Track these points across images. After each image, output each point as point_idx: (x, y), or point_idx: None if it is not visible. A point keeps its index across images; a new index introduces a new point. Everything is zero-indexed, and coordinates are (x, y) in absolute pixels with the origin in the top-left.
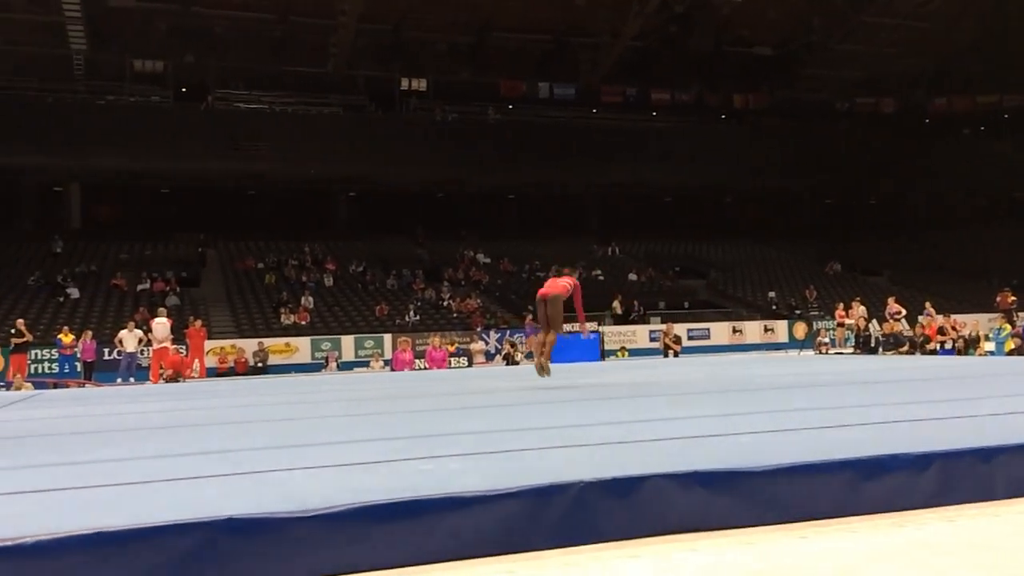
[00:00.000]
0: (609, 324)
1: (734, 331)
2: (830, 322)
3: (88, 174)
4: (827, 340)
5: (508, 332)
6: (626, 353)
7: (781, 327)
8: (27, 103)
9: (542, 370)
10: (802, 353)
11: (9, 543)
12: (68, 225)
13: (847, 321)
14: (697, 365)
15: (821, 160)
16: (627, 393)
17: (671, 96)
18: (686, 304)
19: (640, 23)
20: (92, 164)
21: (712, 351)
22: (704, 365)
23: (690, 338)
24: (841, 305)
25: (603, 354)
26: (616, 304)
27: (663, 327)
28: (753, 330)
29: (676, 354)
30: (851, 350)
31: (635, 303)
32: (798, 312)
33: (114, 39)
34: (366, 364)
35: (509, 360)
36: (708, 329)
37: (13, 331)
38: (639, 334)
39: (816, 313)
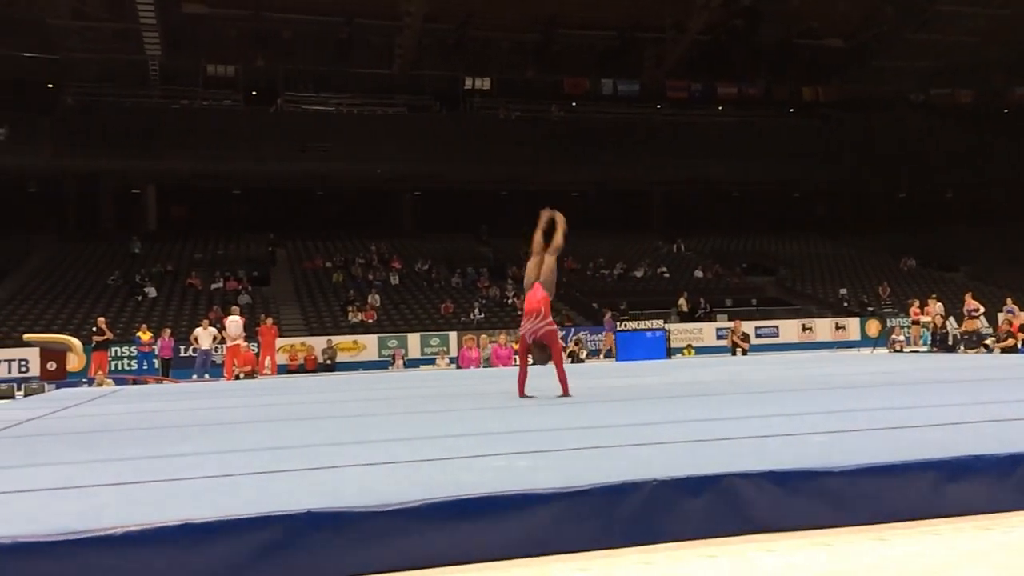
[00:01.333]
0: (675, 322)
1: (804, 329)
2: (905, 319)
3: (163, 176)
4: (902, 338)
5: (573, 330)
6: (692, 351)
7: (853, 324)
8: (106, 109)
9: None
10: (876, 351)
11: (100, 533)
12: (145, 226)
13: (923, 318)
14: (766, 363)
15: (894, 153)
16: (697, 391)
17: (738, 90)
18: (754, 301)
19: (706, 17)
20: (167, 167)
21: (781, 349)
22: (774, 363)
23: (758, 336)
24: (916, 302)
25: (669, 352)
26: (682, 301)
27: (731, 325)
28: (824, 328)
29: (744, 352)
30: (926, 348)
31: (701, 300)
32: (871, 309)
33: (188, 45)
34: (432, 362)
35: (574, 358)
36: (777, 327)
37: (95, 329)
38: (706, 332)
39: (890, 310)
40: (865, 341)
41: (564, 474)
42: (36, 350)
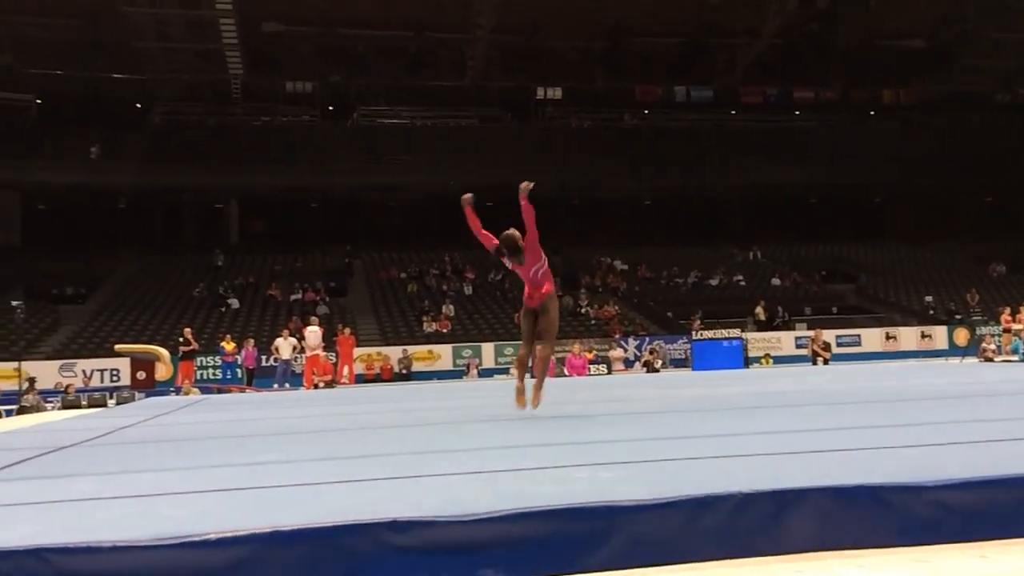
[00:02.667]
0: (752, 330)
1: (887, 337)
2: (995, 327)
3: (245, 191)
4: (993, 347)
5: (648, 339)
6: (770, 361)
7: (940, 333)
8: (191, 127)
9: (520, 395)
10: (965, 361)
11: (195, 539)
12: (228, 240)
13: (1014, 326)
14: (849, 373)
15: (980, 155)
16: (778, 402)
17: (815, 94)
18: (834, 309)
19: (780, 20)
20: (248, 181)
21: (864, 358)
22: (857, 373)
23: (840, 345)
24: (1008, 309)
25: (747, 361)
26: (759, 310)
27: (811, 333)
28: (908, 336)
29: (826, 361)
30: (1019, 357)
31: (779, 309)
32: (958, 317)
33: (267, 63)
34: (506, 371)
35: (649, 367)
36: (859, 335)
37: (181, 340)
38: (784, 341)
39: (979, 318)
40: (953, 350)
41: (647, 486)
42: (127, 360)
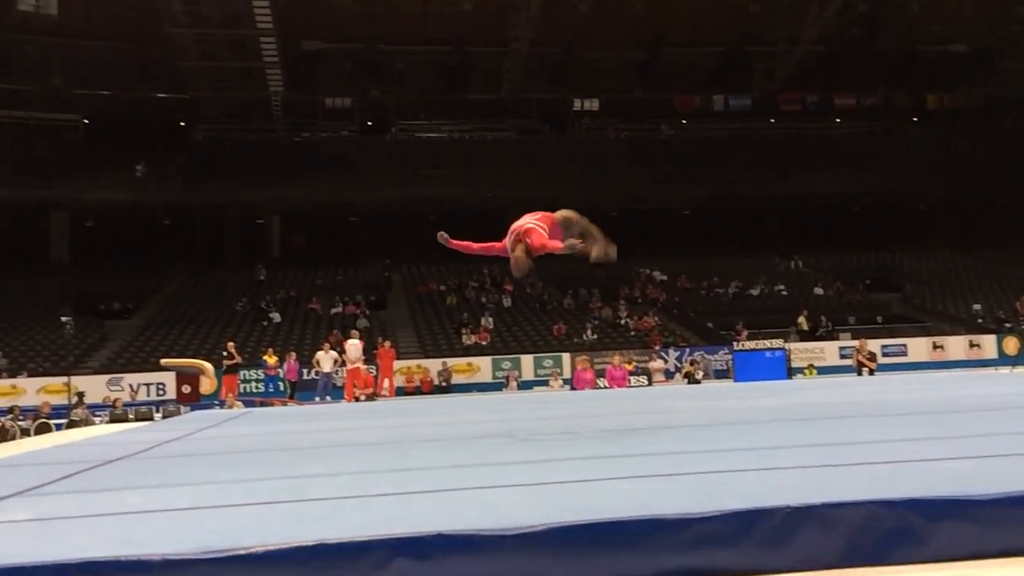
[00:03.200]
0: (795, 341)
1: (934, 347)
2: None
3: (286, 206)
4: None
5: (688, 350)
6: (814, 371)
7: (989, 342)
8: (232, 144)
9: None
10: (1016, 370)
11: (242, 552)
12: (269, 254)
13: None
14: (896, 383)
15: None
16: (823, 413)
17: (856, 101)
18: (879, 319)
19: (820, 27)
20: (289, 197)
21: (910, 368)
22: (904, 383)
23: (885, 355)
24: None
25: (790, 372)
26: (802, 320)
27: (855, 343)
28: (956, 346)
29: (871, 372)
30: None
31: (822, 318)
32: (1008, 325)
33: (307, 80)
34: (545, 383)
35: (690, 379)
36: (905, 345)
37: (225, 354)
38: (828, 351)
39: None
40: (1003, 359)
41: (690, 499)
42: (172, 374)
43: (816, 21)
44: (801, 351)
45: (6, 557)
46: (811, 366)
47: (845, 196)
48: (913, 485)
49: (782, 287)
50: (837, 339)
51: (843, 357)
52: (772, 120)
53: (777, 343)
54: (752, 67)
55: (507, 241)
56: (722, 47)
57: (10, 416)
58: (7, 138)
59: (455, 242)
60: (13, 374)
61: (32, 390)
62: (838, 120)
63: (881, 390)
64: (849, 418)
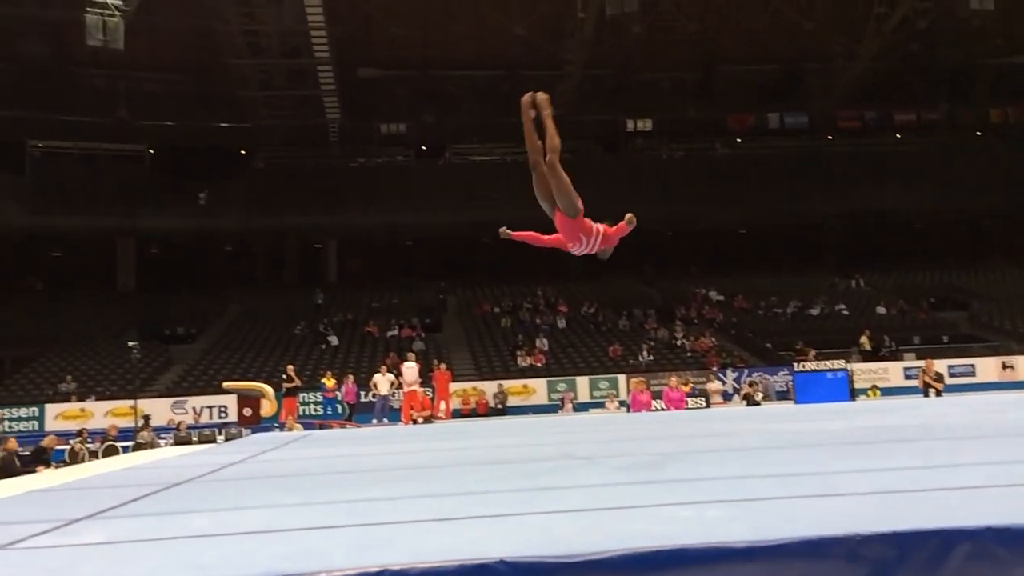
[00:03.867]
0: (857, 361)
1: (1004, 367)
2: None
3: (343, 231)
4: None
5: (746, 371)
6: (878, 392)
7: None
8: (291, 171)
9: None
10: None
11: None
12: (327, 278)
13: None
14: (965, 405)
15: None
16: (891, 436)
17: (917, 116)
18: (945, 338)
19: (878, 42)
20: (346, 221)
21: (979, 389)
22: (974, 405)
23: (952, 375)
24: None
25: (853, 394)
26: (864, 340)
27: (921, 364)
28: None
29: (939, 393)
30: None
31: (885, 338)
32: None
33: (363, 106)
34: (601, 405)
35: (749, 400)
36: (973, 365)
37: (285, 377)
38: (892, 372)
39: None
40: None
41: (756, 526)
42: (234, 397)
43: (874, 37)
44: (864, 372)
45: None
46: (874, 387)
47: (907, 213)
48: (991, 512)
49: (843, 306)
50: (901, 359)
51: (908, 378)
52: (830, 137)
53: (839, 364)
54: (808, 84)
55: (592, 239)
56: (777, 65)
57: (79, 439)
58: (76, 169)
59: (518, 234)
60: (82, 397)
61: (100, 413)
62: (898, 136)
63: (950, 412)
64: (918, 441)
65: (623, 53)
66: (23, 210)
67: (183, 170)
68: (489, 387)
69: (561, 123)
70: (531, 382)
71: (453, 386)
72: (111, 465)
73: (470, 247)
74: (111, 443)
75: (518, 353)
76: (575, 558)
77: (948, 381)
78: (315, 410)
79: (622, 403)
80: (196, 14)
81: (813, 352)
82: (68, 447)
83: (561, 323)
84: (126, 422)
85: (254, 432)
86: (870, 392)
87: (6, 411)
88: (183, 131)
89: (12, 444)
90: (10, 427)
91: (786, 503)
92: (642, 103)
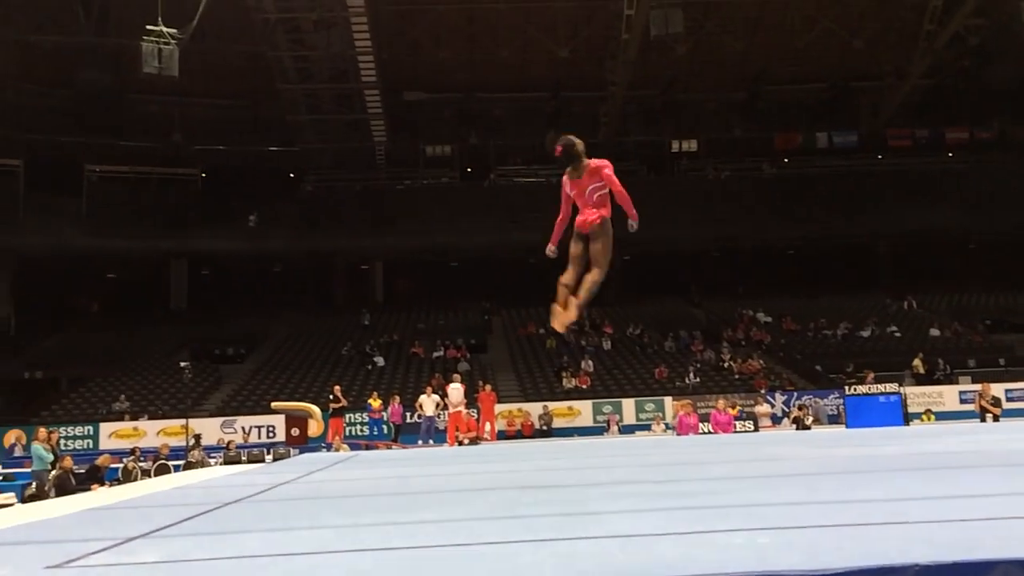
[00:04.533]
0: (910, 384)
1: None
2: None
3: (389, 252)
4: None
5: (796, 394)
6: (932, 417)
7: None
8: (339, 193)
9: (564, 314)
10: None
11: None
12: (373, 299)
13: None
14: None
15: None
16: (947, 462)
17: (969, 134)
18: (1001, 361)
19: (928, 60)
20: (392, 243)
21: None
22: None
23: (1010, 399)
24: None
25: (907, 418)
26: (918, 363)
27: (977, 387)
28: None
29: (996, 418)
30: None
31: (940, 361)
32: None
33: (409, 129)
34: (647, 427)
35: (799, 424)
36: None
37: (331, 397)
38: (947, 395)
39: None
40: None
41: (812, 554)
42: (282, 417)
43: (924, 55)
44: (918, 395)
45: None
46: (929, 411)
47: (961, 233)
48: None
49: (895, 328)
50: (956, 383)
51: (964, 402)
52: (880, 156)
53: (892, 387)
54: (857, 102)
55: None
56: (825, 84)
57: (132, 457)
58: (132, 192)
59: (555, 237)
60: (135, 416)
61: (152, 432)
62: (951, 154)
63: (1009, 438)
64: (977, 468)
65: (668, 74)
66: (80, 232)
67: (234, 193)
68: (534, 409)
69: (605, 145)
70: (576, 404)
71: (498, 407)
72: (163, 484)
73: (515, 268)
74: (163, 462)
75: (563, 374)
76: None
77: (1006, 406)
78: (361, 430)
79: (668, 426)
80: (247, 41)
81: (872, 375)
82: (121, 465)
83: (606, 344)
84: (177, 441)
85: (302, 452)
86: (924, 416)
87: (62, 429)
88: (234, 155)
89: (68, 462)
90: (66, 445)
91: (842, 531)
92: (688, 123)
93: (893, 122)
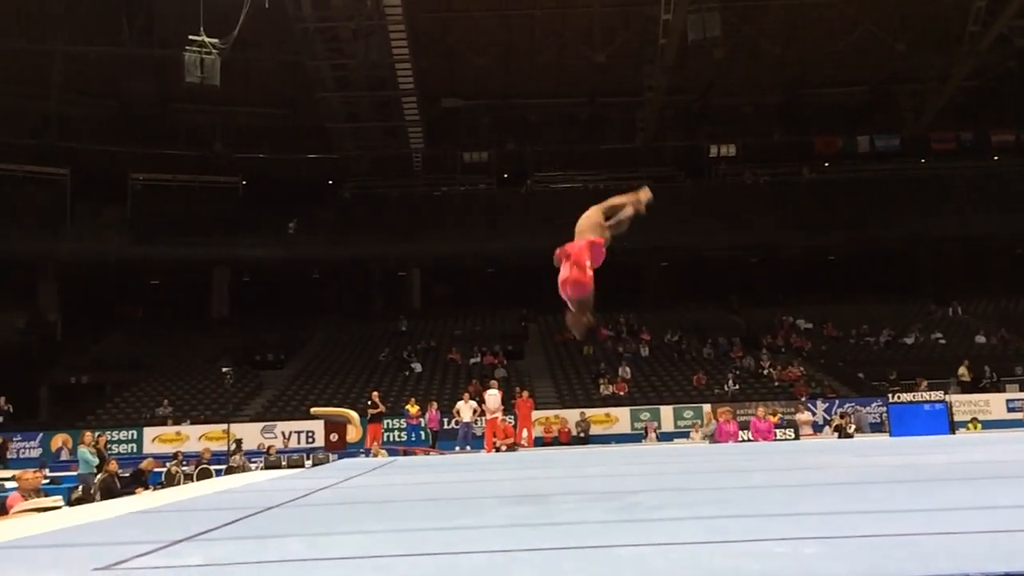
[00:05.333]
0: (956, 392)
1: None
2: None
3: (426, 258)
4: None
5: (837, 402)
6: (979, 425)
7: None
8: (376, 200)
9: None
10: None
11: None
12: (410, 305)
13: None
14: None
15: None
16: (997, 472)
17: (1016, 137)
18: None
19: (973, 62)
20: (429, 249)
21: None
22: None
23: None
24: None
25: (952, 426)
26: (963, 370)
27: None
28: None
29: None
30: None
31: (986, 368)
32: None
33: (446, 135)
34: (685, 435)
35: (841, 432)
36: None
37: (369, 403)
38: (993, 404)
39: None
40: None
41: (858, 565)
42: (321, 422)
43: (968, 57)
44: (964, 404)
45: None
46: (975, 420)
47: (1008, 238)
48: None
49: (939, 335)
50: (1003, 391)
51: (1011, 410)
52: (923, 160)
53: (937, 395)
54: (899, 105)
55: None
56: (865, 86)
57: (175, 461)
58: (175, 200)
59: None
60: (178, 421)
61: (195, 437)
62: (996, 157)
63: None
64: None
65: (705, 78)
66: (124, 240)
67: (274, 200)
68: (571, 415)
69: (642, 150)
70: (614, 411)
71: (535, 414)
72: (206, 488)
73: (552, 274)
74: (205, 466)
75: (600, 381)
76: None
77: None
78: (399, 436)
79: (706, 435)
80: (287, 51)
81: (924, 382)
82: (165, 469)
83: (644, 351)
84: (219, 445)
85: (340, 457)
86: (970, 425)
87: (108, 433)
88: (274, 163)
89: (113, 466)
90: (110, 449)
91: (889, 540)
92: (725, 128)
93: (936, 125)
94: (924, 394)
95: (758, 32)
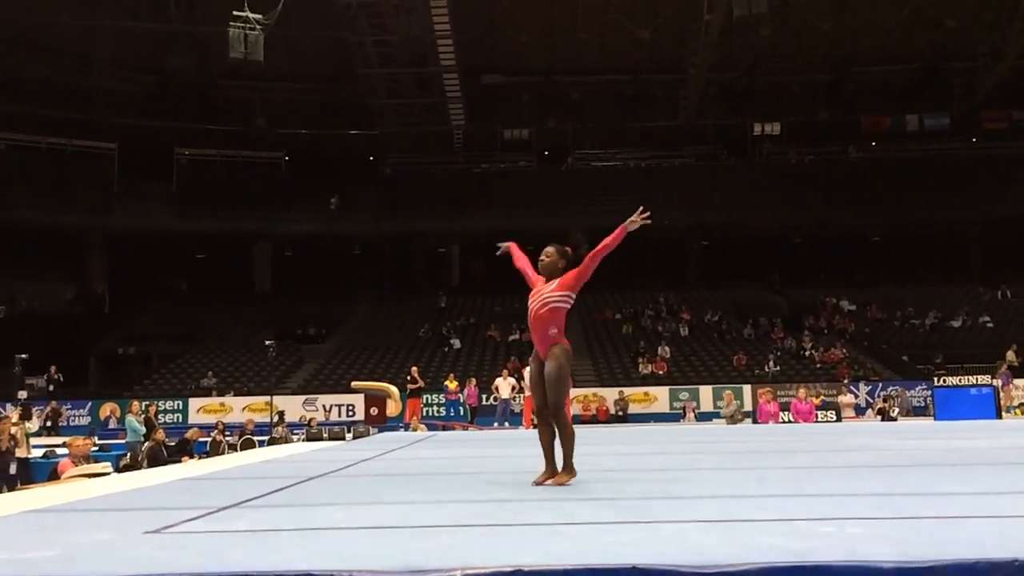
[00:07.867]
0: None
1: None
2: None
3: (466, 235)
4: None
5: (880, 385)
6: None
7: None
8: (417, 177)
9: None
10: None
11: (443, 573)
12: (449, 282)
13: None
14: None
15: None
16: None
17: None
18: None
19: None
20: (469, 226)
21: None
22: None
23: None
24: None
25: (999, 411)
26: (1011, 354)
27: None
28: None
29: None
30: None
31: None
32: None
33: (487, 112)
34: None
35: (884, 415)
36: None
37: (409, 378)
38: None
39: None
40: None
41: (904, 546)
42: (361, 396)
43: (1021, 34)
44: (1011, 388)
45: (229, 564)
46: (1022, 405)
47: None
48: None
49: (987, 318)
50: None
51: None
52: (973, 139)
53: (984, 379)
54: (950, 84)
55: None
56: (915, 64)
57: (218, 431)
58: (219, 175)
59: (517, 256)
60: (222, 393)
61: (238, 408)
62: None
63: None
64: None
65: (751, 55)
66: (170, 214)
67: (316, 176)
68: (610, 394)
69: (685, 128)
70: (652, 390)
71: (574, 392)
72: (249, 458)
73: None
74: (248, 437)
75: (640, 360)
76: (711, 569)
77: None
78: (438, 411)
79: (746, 414)
80: (330, 26)
81: (1004, 365)
82: (209, 439)
83: (684, 331)
84: (261, 417)
85: (380, 431)
86: (1017, 410)
87: (156, 403)
88: (316, 139)
89: (160, 435)
90: (158, 419)
91: (935, 523)
92: (770, 106)
93: (987, 104)
94: (970, 378)
95: (806, 8)
